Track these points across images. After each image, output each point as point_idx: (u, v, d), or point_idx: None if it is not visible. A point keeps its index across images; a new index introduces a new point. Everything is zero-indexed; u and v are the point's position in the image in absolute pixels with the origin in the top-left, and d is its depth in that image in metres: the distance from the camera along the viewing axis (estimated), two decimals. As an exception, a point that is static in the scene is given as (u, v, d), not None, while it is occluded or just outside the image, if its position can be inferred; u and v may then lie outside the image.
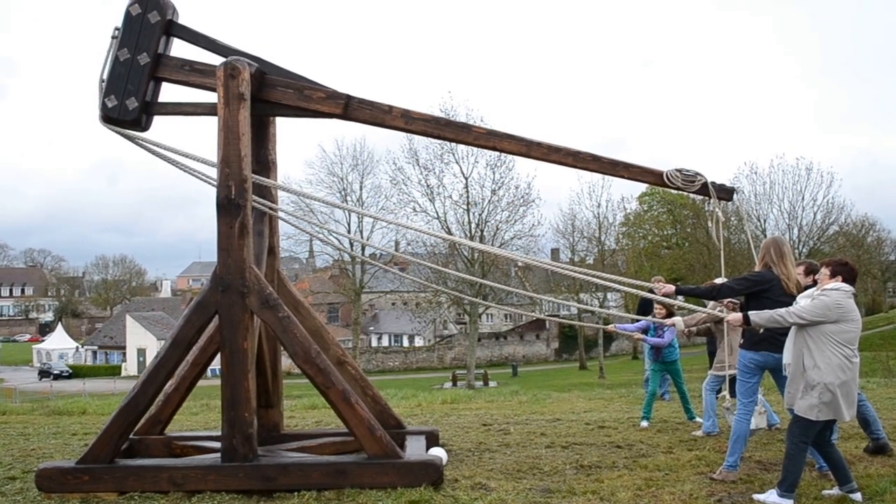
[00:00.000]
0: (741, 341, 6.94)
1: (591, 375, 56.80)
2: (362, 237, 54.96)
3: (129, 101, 6.61)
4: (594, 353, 65.80)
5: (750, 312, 6.27)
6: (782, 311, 6.00)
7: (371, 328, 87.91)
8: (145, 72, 6.64)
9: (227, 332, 6.31)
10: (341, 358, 7.48)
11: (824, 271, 6.15)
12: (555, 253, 68.50)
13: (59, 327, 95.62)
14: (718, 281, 7.21)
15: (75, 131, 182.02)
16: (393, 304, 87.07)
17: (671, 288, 7.08)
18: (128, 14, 6.69)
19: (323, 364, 6.33)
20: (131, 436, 6.85)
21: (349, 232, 55.01)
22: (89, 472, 6.26)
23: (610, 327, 11.19)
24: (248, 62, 6.51)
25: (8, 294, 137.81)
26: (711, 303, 8.12)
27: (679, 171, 6.73)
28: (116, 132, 6.83)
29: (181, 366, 6.68)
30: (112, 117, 6.66)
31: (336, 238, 56.09)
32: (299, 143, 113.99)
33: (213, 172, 6.56)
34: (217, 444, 6.56)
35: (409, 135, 50.88)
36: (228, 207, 6.35)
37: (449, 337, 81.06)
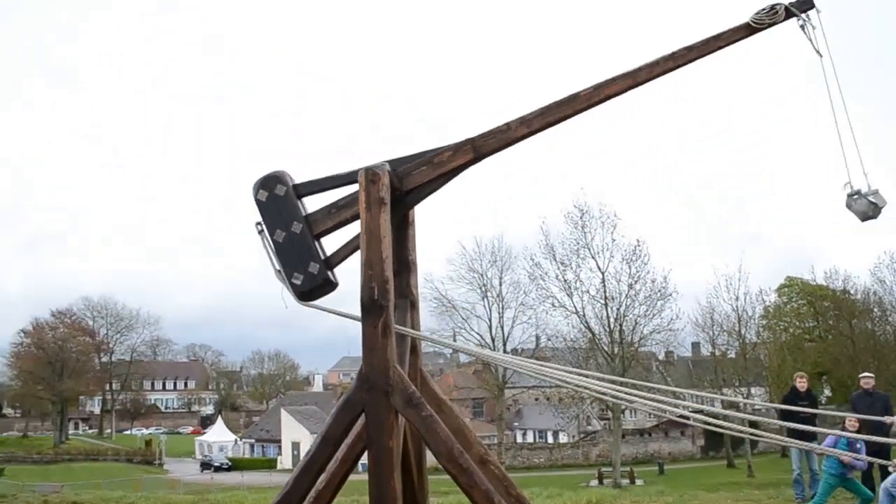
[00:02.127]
0: None
1: (740, 474, 54.29)
2: (503, 333, 55.22)
3: (311, 268, 6.95)
4: (741, 449, 63.00)
5: None
6: None
7: (515, 423, 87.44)
8: (306, 235, 7.02)
9: (372, 431, 6.47)
10: (484, 457, 7.50)
11: None
12: (696, 347, 66.71)
13: (220, 420, 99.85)
14: None
15: (239, 232, 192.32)
16: (536, 399, 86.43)
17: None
18: (259, 203, 7.10)
19: (466, 464, 6.38)
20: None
21: (490, 327, 55.45)
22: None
23: (818, 449, 9.66)
24: (386, 167, 6.85)
25: (172, 387, 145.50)
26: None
27: (759, 12, 6.51)
28: (316, 307, 7.09)
29: (331, 463, 6.86)
30: (307, 290, 6.96)
31: (477, 335, 56.53)
32: (440, 241, 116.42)
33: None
34: (364, 541, 6.66)
35: (544, 231, 51.53)
36: (372, 308, 6.57)
37: (593, 433, 79.79)
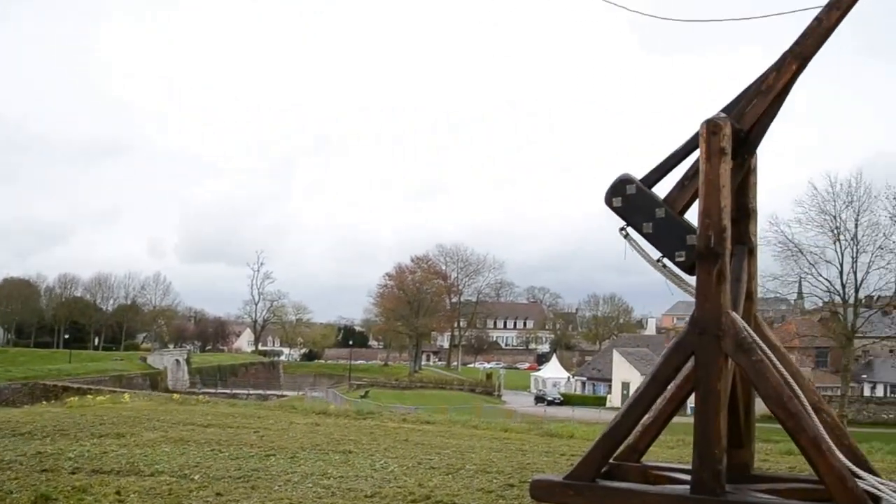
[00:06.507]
0: None
1: None
2: (856, 279, 51.35)
3: (689, 241, 7.04)
4: None
5: None
6: None
7: (864, 376, 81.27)
8: (671, 216, 7.20)
9: (701, 373, 6.66)
10: (817, 404, 7.38)
11: None
12: None
13: (554, 358, 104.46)
14: None
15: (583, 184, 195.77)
16: (891, 351, 79.40)
17: None
18: (617, 209, 7.32)
19: (794, 409, 6.39)
20: (611, 461, 7.53)
21: (841, 273, 51.75)
22: (574, 488, 7.03)
23: None
24: (726, 117, 6.89)
25: (512, 326, 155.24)
26: None
27: None
28: (671, 277, 7.26)
29: (658, 401, 7.19)
30: (693, 262, 7.01)
31: (825, 280, 53.36)
32: (788, 182, 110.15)
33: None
34: (687, 477, 6.95)
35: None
36: (707, 255, 6.69)
37: (960, 390, 71.80)
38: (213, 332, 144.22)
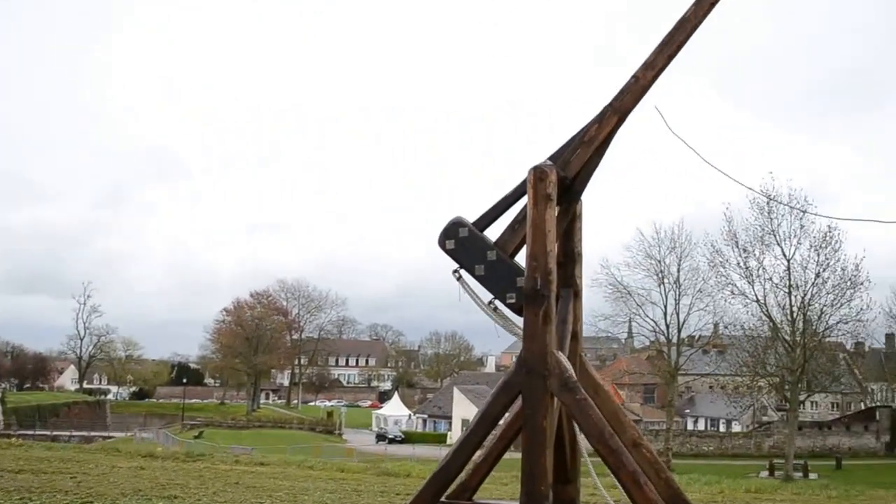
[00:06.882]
0: None
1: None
2: (678, 319, 54.26)
3: (519, 283, 7.11)
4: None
5: None
6: None
7: (687, 411, 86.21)
8: (502, 258, 7.28)
9: (528, 412, 6.84)
10: (636, 441, 7.75)
11: None
12: (890, 339, 63.04)
13: (396, 396, 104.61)
14: None
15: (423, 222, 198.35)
16: (710, 387, 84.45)
17: None
18: (450, 251, 7.40)
19: (615, 445, 6.68)
20: (442, 499, 7.60)
21: (665, 314, 54.61)
22: (406, 529, 7.07)
23: None
24: (552, 164, 7.19)
25: (354, 364, 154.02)
26: None
27: None
28: (500, 321, 7.35)
29: (489, 438, 7.34)
30: (521, 304, 7.09)
31: (651, 321, 56.15)
32: (616, 227, 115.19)
33: None
34: (517, 513, 7.10)
35: (727, 217, 50.09)
36: (534, 297, 6.89)
37: (768, 423, 76.90)
38: (32, 369, 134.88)
